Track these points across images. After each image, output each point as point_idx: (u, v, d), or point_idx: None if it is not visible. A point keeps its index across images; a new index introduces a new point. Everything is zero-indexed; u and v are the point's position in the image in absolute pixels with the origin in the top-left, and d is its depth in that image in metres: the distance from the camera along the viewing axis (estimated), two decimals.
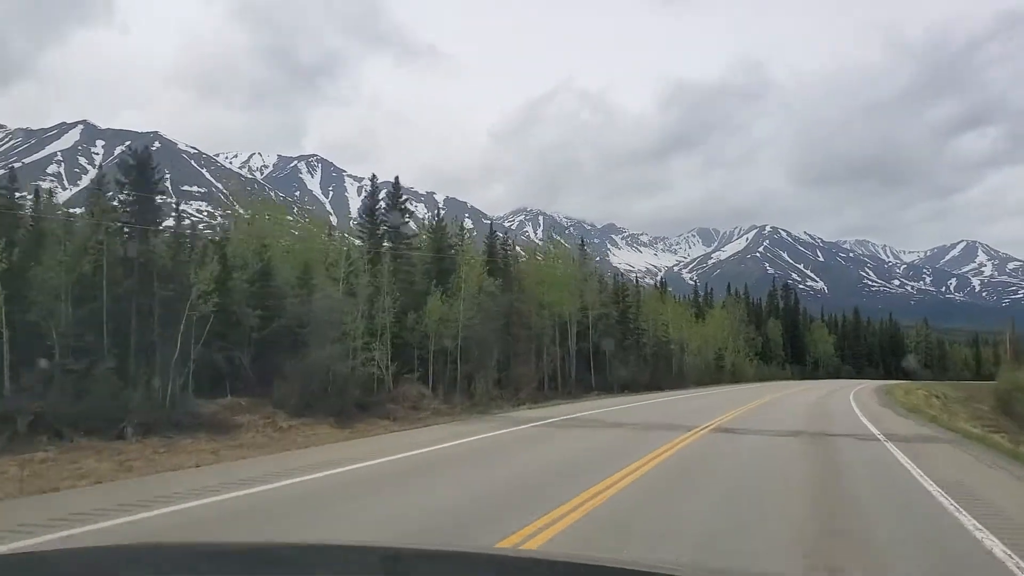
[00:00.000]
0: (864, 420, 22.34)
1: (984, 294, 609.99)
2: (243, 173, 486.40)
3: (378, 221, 31.74)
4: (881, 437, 16.28)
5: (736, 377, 67.23)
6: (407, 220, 32.29)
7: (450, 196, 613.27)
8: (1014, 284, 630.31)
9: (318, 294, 26.22)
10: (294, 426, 23.23)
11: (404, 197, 32.23)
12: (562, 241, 43.92)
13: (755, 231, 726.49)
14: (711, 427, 18.22)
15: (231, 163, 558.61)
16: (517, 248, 41.89)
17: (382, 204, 31.99)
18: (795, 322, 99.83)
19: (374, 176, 31.63)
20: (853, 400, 34.68)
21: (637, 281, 61.41)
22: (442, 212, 48.08)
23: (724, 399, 33.74)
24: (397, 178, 31.91)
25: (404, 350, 30.37)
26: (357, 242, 31.35)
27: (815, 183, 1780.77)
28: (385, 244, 30.68)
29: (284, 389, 24.70)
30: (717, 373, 63.89)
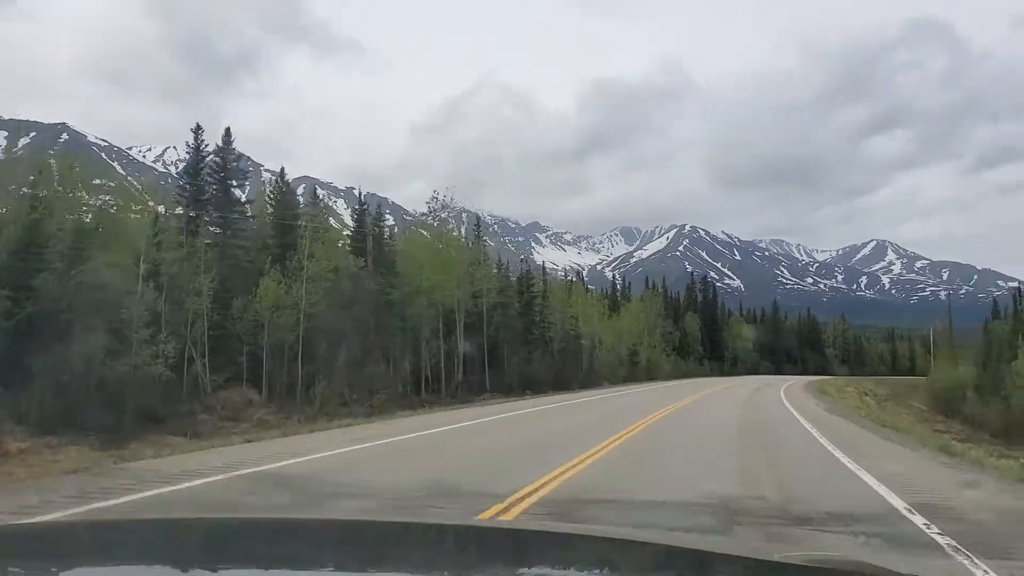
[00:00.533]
0: (841, 456, 12.13)
1: (893, 291, 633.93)
2: (157, 167, 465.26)
3: (203, 184, 25.15)
4: (929, 529, 6.81)
5: (651, 374, 62.69)
6: (240, 183, 25.78)
7: (371, 192, 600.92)
8: (921, 282, 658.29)
9: (86, 266, 19.61)
10: (28, 448, 16.81)
11: (237, 152, 25.72)
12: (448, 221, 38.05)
13: (675, 230, 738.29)
14: (551, 486, 8.97)
15: (144, 157, 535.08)
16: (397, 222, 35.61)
17: (209, 164, 25.34)
18: (714, 316, 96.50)
19: (198, 127, 24.90)
20: (788, 402, 28.47)
21: (544, 270, 55.90)
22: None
23: (628, 404, 27.93)
24: (228, 129, 25.25)
25: (228, 343, 24.04)
26: (161, 209, 24.73)
27: (733, 184, 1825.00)
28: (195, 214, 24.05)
29: (28, 397, 18.20)
30: (631, 369, 59.14)
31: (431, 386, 34.27)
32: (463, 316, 34.97)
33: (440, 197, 34.00)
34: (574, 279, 66.56)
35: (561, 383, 46.42)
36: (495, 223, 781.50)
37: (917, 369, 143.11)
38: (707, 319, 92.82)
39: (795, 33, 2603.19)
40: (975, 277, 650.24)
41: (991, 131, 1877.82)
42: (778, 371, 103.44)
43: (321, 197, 31.27)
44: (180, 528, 2.32)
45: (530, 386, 41.70)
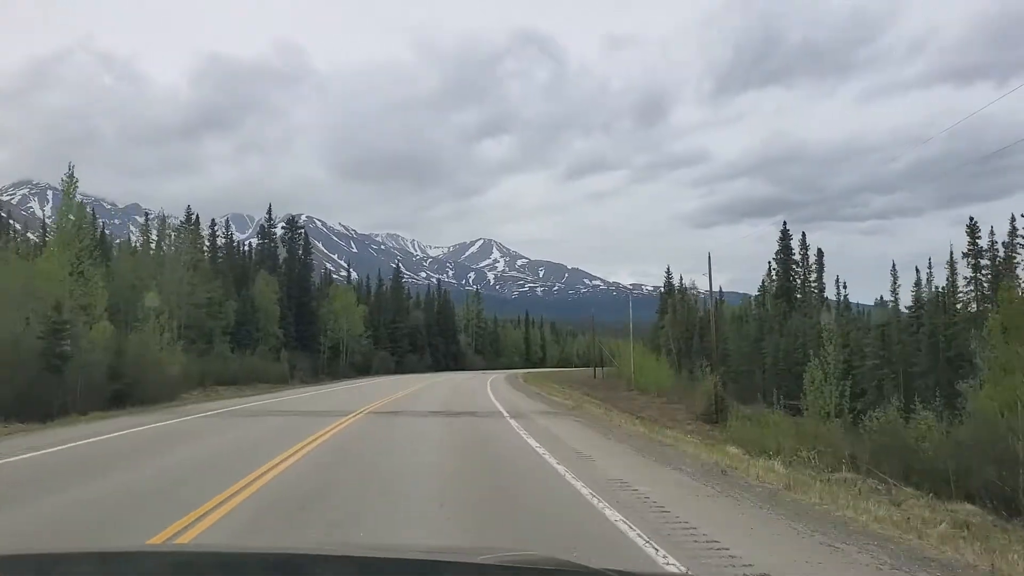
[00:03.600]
0: None
1: (497, 287, 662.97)
2: None
3: None
4: None
5: (121, 392, 25.62)
6: None
7: None
8: (522, 278, 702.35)
9: None
10: None
11: None
12: None
13: (291, 219, 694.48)
14: None
15: None
16: None
17: None
18: (305, 281, 61.73)
19: None
20: None
21: None
22: None
23: None
24: None
25: None
26: None
27: (351, 176, 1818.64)
28: None
29: None
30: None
31: None
32: None
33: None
34: None
35: None
36: (88, 203, 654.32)
37: (549, 359, 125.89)
38: (294, 284, 57.91)
39: (413, 31, 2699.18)
40: (566, 275, 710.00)
41: (583, 143, 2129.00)
42: (400, 366, 72.52)
43: None
44: None
45: None
